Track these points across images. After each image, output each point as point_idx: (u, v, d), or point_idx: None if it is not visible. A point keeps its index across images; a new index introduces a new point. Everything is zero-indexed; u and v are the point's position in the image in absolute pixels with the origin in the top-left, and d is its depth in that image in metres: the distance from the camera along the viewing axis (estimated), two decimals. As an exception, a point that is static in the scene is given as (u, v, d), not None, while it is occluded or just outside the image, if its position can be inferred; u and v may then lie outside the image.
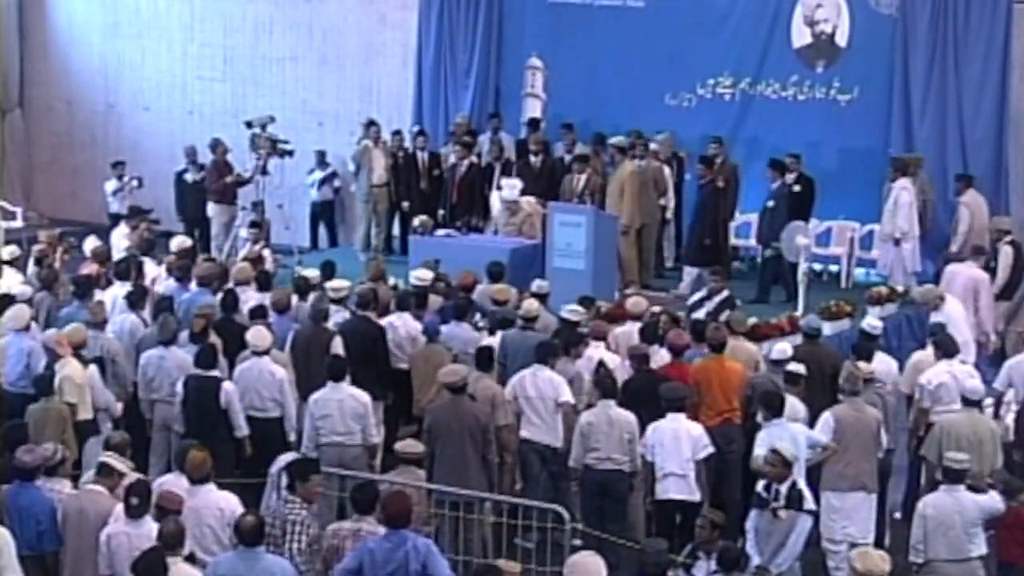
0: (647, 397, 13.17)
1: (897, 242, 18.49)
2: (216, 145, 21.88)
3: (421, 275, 16.06)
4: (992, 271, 18.05)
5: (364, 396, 13.35)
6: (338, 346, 14.38)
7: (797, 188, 19.18)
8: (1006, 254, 18.21)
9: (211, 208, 21.65)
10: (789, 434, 12.45)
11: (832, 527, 12.65)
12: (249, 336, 14.10)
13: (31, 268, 17.85)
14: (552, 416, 13.54)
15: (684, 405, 12.84)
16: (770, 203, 18.85)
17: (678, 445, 12.58)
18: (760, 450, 12.28)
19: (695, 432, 12.70)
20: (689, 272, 18.98)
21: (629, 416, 12.96)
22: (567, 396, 13.60)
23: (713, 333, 14.12)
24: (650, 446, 12.65)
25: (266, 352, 13.94)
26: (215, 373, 13.60)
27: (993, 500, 11.75)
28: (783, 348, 14.31)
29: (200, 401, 13.40)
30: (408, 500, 10.56)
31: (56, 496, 11.15)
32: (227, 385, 13.48)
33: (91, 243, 17.99)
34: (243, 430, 13.45)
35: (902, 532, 13.32)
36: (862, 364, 13.57)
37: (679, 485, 12.61)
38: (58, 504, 11.09)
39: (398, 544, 10.08)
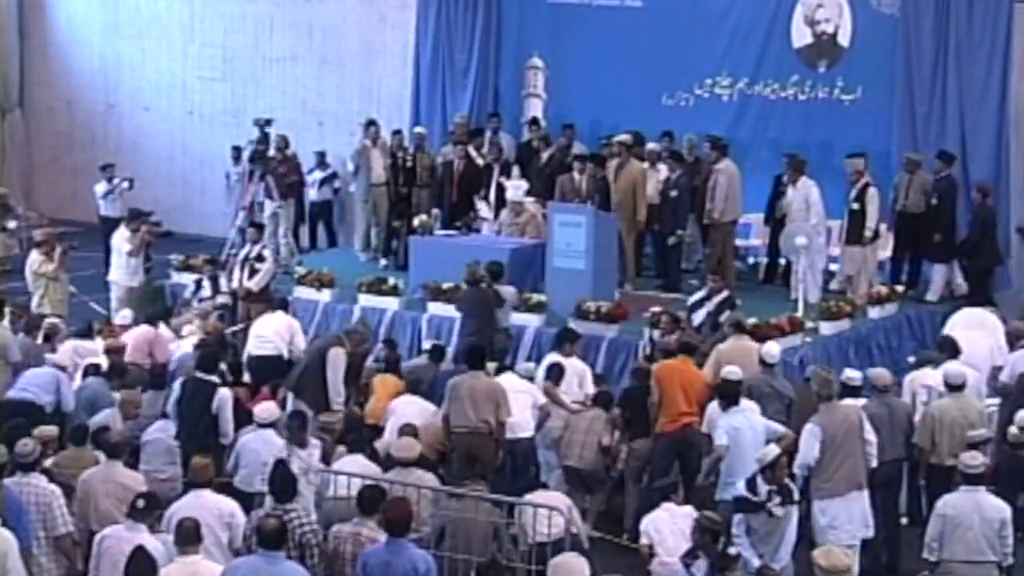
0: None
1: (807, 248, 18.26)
2: (285, 143, 21.65)
3: None
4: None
5: None
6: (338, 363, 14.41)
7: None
8: (873, 196, 18.37)
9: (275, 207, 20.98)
10: (748, 422, 12.75)
11: (827, 529, 12.59)
12: (256, 410, 13.47)
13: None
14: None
15: (673, 497, 12.25)
16: (673, 192, 18.95)
17: (676, 534, 11.81)
18: (722, 440, 12.70)
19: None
20: None
21: None
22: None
23: (684, 337, 14.51)
24: (650, 534, 11.93)
25: (271, 425, 13.30)
26: (214, 378, 13.53)
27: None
28: (770, 349, 14.37)
29: (192, 401, 13.34)
30: (408, 506, 10.50)
31: (33, 491, 11.08)
32: (223, 391, 13.40)
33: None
34: (228, 437, 13.32)
35: (907, 535, 13.34)
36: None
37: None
38: (31, 500, 11.04)
39: (396, 554, 10.02)
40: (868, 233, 18.47)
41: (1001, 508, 11.62)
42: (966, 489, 11.65)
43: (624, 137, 19.67)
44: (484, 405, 13.70)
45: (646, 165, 19.50)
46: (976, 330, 15.53)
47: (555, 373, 14.58)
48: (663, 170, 19.42)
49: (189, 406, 13.39)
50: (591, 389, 14.72)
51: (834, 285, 18.87)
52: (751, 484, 11.68)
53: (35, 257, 18.19)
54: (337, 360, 14.55)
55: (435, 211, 19.94)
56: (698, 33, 20.85)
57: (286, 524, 10.41)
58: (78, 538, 11.46)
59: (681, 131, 20.19)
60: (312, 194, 22.75)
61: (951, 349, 14.39)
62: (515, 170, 20.26)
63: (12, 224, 21.92)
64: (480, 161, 20.42)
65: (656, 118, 20.57)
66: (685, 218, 19.07)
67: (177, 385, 13.62)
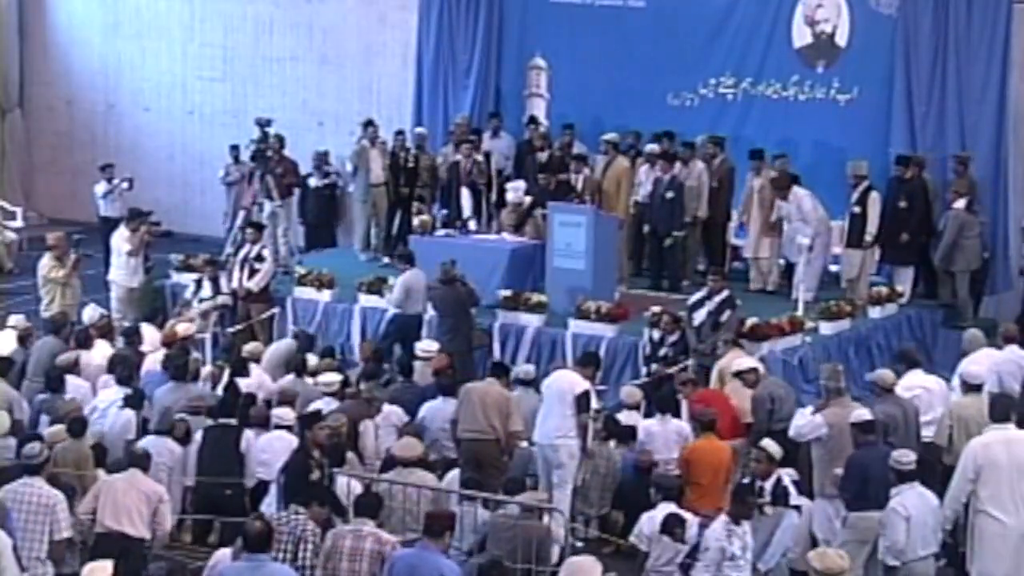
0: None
1: (811, 248, 18.24)
2: (281, 143, 21.35)
3: (426, 347, 16.01)
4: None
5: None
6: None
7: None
8: (875, 200, 18.47)
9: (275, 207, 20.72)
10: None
11: (826, 526, 12.59)
12: (276, 412, 13.81)
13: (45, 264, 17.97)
14: None
15: (676, 495, 12.28)
16: (669, 194, 18.92)
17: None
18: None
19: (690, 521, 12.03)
20: None
21: None
22: None
23: (702, 411, 13.69)
24: (645, 537, 12.02)
25: (287, 428, 13.64)
26: (234, 421, 13.49)
27: None
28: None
29: (217, 447, 13.24)
30: (451, 514, 10.81)
31: (36, 493, 11.05)
32: (249, 432, 13.39)
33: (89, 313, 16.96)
34: (253, 479, 13.30)
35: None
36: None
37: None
38: (34, 502, 11.00)
39: (424, 559, 10.17)
40: (868, 238, 18.47)
41: (935, 497, 11.73)
42: (908, 487, 11.60)
43: (611, 136, 19.75)
44: (492, 412, 13.75)
45: (646, 166, 19.53)
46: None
47: (585, 402, 13.69)
48: (658, 171, 19.43)
49: (213, 452, 13.30)
50: (595, 404, 14.35)
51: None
52: (752, 480, 11.72)
53: (46, 262, 18.09)
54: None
55: (435, 211, 19.97)
56: (701, 33, 20.87)
57: (280, 525, 10.59)
58: (78, 540, 11.51)
59: (687, 131, 20.22)
60: (313, 182, 22.46)
61: (910, 361, 14.61)
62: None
63: (15, 223, 21.95)
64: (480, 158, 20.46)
65: (661, 118, 20.60)
66: (681, 219, 19.07)
67: (198, 434, 13.48)
